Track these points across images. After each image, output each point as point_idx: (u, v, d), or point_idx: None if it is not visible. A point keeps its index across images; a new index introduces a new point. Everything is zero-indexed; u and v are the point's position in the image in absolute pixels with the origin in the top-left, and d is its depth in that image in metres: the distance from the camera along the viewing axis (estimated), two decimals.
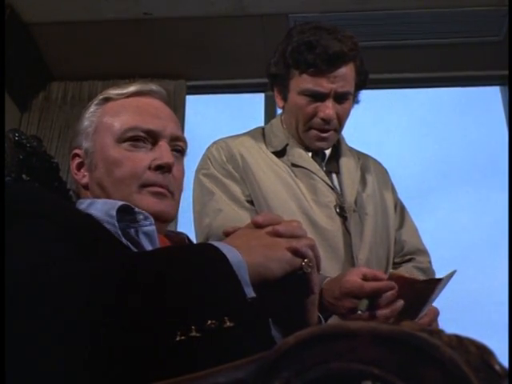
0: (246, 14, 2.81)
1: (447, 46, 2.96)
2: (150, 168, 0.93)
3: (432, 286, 1.14)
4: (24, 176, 1.03)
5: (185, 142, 1.02)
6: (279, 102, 1.53)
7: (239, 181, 1.46)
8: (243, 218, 1.36)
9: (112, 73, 3.11)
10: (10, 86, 2.82)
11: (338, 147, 1.56)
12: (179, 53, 3.02)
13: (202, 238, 1.40)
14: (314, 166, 1.47)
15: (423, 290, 1.15)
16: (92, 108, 1.02)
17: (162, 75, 3.09)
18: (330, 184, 1.45)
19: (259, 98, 3.17)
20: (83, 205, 0.92)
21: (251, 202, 1.43)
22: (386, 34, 2.87)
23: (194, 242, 1.24)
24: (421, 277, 1.41)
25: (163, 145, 0.95)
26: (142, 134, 0.95)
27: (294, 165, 1.47)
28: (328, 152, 1.53)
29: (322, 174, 1.46)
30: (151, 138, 0.95)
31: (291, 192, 1.43)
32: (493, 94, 3.17)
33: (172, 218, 0.97)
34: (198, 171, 1.52)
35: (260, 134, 1.58)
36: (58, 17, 2.84)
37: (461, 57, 3.00)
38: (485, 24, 2.83)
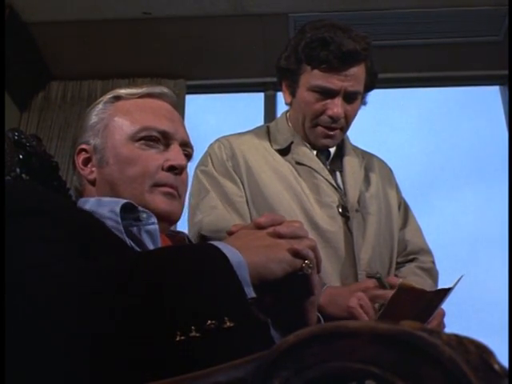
0: (245, 13, 2.81)
1: (447, 46, 2.95)
2: (162, 168, 0.93)
3: (441, 295, 1.13)
4: (23, 175, 1.02)
5: (192, 148, 1.03)
6: (287, 97, 1.51)
7: (236, 181, 1.45)
8: (233, 219, 1.36)
9: (112, 72, 3.11)
10: (9, 85, 2.81)
11: (342, 146, 1.55)
12: (179, 52, 3.02)
13: (192, 232, 1.40)
14: (318, 164, 1.47)
15: (433, 299, 1.14)
16: (101, 105, 1.01)
17: (162, 75, 3.09)
18: (334, 183, 1.45)
19: (259, 98, 3.17)
20: (85, 203, 0.92)
21: (246, 203, 1.42)
22: (385, 33, 2.87)
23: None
24: (428, 280, 1.42)
25: (176, 147, 0.96)
26: (156, 135, 0.95)
27: (297, 163, 1.47)
28: (332, 150, 1.53)
29: (326, 173, 1.46)
30: (164, 139, 0.96)
31: (293, 193, 1.42)
32: (493, 94, 3.17)
33: (178, 219, 0.98)
34: (197, 166, 1.52)
35: (265, 132, 1.57)
36: (57, 17, 2.83)
37: (461, 56, 3.00)
38: (485, 24, 2.82)
